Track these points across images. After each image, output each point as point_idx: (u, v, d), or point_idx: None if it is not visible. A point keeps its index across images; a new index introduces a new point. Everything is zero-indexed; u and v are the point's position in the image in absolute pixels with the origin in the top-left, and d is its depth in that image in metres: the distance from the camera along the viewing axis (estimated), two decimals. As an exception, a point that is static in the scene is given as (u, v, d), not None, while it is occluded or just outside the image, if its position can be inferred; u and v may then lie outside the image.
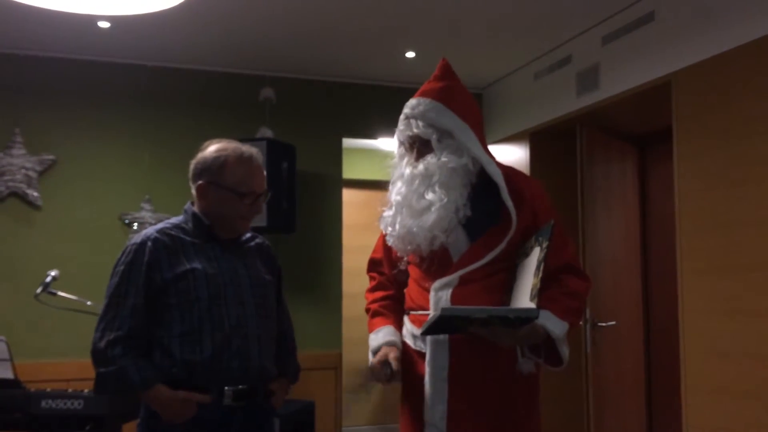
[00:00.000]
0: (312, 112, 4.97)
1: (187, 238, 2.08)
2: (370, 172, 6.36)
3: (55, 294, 3.44)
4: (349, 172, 5.85)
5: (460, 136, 1.94)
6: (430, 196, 1.93)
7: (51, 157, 4.40)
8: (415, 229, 1.93)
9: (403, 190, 2.01)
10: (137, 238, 2.08)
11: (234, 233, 2.14)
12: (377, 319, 2.17)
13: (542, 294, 1.82)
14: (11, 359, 3.06)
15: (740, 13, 3.09)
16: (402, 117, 2.06)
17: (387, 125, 5.15)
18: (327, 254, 4.94)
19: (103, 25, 4.00)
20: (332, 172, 5.01)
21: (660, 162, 4.42)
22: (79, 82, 4.51)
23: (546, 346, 1.86)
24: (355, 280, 6.24)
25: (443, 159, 1.94)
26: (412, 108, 2.03)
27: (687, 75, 3.37)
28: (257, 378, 2.07)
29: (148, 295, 2.00)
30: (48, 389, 3.02)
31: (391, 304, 2.17)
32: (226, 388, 2.00)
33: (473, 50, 4.46)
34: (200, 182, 2.08)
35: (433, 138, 1.97)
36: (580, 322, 2.00)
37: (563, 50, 4.33)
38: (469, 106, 2.04)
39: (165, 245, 2.04)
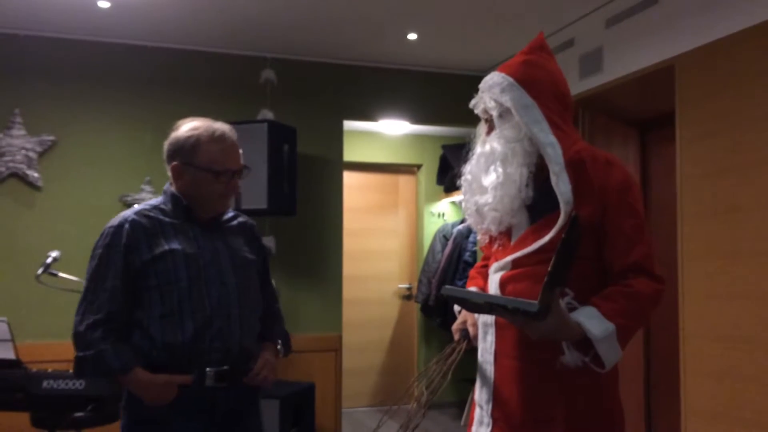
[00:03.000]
0: (313, 94, 4.95)
1: (166, 219, 2.07)
2: (372, 155, 6.36)
3: (56, 275, 3.44)
4: (350, 154, 5.84)
5: (519, 114, 1.84)
6: (491, 174, 1.88)
7: (51, 137, 4.39)
8: (481, 208, 1.89)
9: (473, 168, 1.96)
10: (115, 221, 2.06)
11: (213, 212, 2.12)
12: (469, 282, 2.12)
13: (602, 292, 1.75)
14: (13, 340, 3.07)
15: (745, -4, 3.07)
16: (478, 92, 1.99)
17: (388, 107, 5.14)
18: (328, 237, 4.94)
19: (104, 5, 3.97)
20: (333, 154, 4.99)
21: (662, 146, 4.40)
22: (80, 62, 4.49)
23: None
24: (356, 262, 6.28)
25: (500, 136, 1.88)
26: (485, 82, 1.94)
27: (691, 59, 3.35)
28: (239, 359, 2.05)
29: (126, 278, 1.99)
30: (49, 370, 3.03)
31: (486, 271, 2.08)
32: (207, 369, 1.99)
33: (475, 32, 4.44)
34: (174, 163, 2.07)
35: (495, 113, 1.90)
36: (640, 326, 1.81)
37: (566, 33, 4.31)
38: (547, 83, 1.89)
39: (143, 227, 2.03)
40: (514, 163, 1.84)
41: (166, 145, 2.10)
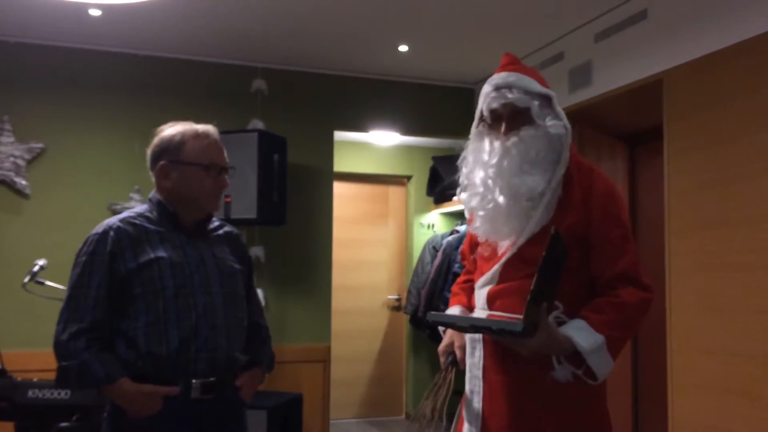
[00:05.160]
0: (304, 105, 4.96)
1: (152, 227, 2.04)
2: (362, 166, 6.36)
3: (42, 283, 3.42)
4: (341, 165, 5.85)
5: (557, 104, 1.79)
6: (526, 168, 1.77)
7: (40, 145, 4.37)
8: (511, 208, 1.78)
9: (508, 164, 1.80)
10: (99, 228, 2.03)
11: (202, 213, 2.09)
12: (452, 299, 2.07)
13: (590, 303, 1.74)
14: (-2, 348, 3.04)
15: (733, 12, 3.10)
16: (488, 89, 1.86)
17: (379, 118, 5.15)
18: (317, 247, 4.93)
19: (94, 13, 3.97)
20: (323, 164, 5.00)
21: (650, 160, 4.44)
22: (70, 70, 4.48)
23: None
24: (345, 273, 6.27)
25: (547, 125, 1.79)
26: (502, 78, 1.84)
27: (679, 73, 3.38)
28: (225, 369, 2.03)
29: (111, 286, 1.96)
30: (35, 379, 3.00)
31: (471, 286, 2.03)
32: (193, 380, 1.95)
33: (466, 45, 4.46)
34: (161, 163, 2.04)
35: (534, 104, 1.80)
36: (630, 336, 1.80)
37: (556, 46, 4.34)
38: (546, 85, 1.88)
39: (128, 234, 2.00)
40: (551, 160, 1.78)
41: (149, 151, 2.08)
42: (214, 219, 2.19)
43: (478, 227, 1.88)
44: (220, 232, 2.19)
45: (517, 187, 1.78)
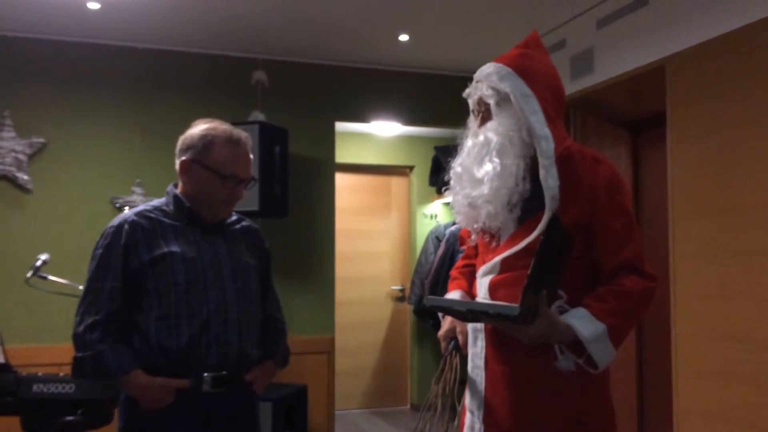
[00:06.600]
0: (305, 96, 4.95)
1: (167, 221, 2.04)
2: (364, 157, 6.35)
3: (45, 278, 3.42)
4: (342, 156, 5.83)
5: (518, 102, 1.77)
6: (486, 165, 1.79)
7: (41, 140, 4.36)
8: (474, 201, 1.81)
9: (465, 159, 1.86)
10: (115, 221, 2.04)
11: (213, 218, 2.09)
12: (451, 284, 2.05)
13: (593, 292, 1.72)
14: (2, 343, 3.04)
15: (735, -3, 3.08)
16: (473, 81, 1.92)
17: (380, 109, 5.14)
18: (320, 238, 4.93)
19: (93, 6, 3.95)
20: (325, 156, 4.99)
21: (653, 147, 4.42)
22: (70, 64, 4.47)
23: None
24: (348, 264, 6.28)
25: (498, 124, 1.81)
26: (481, 71, 1.88)
27: (681, 59, 3.36)
28: (237, 364, 2.03)
29: (125, 279, 1.97)
30: (39, 373, 2.99)
31: (471, 271, 2.02)
32: (205, 374, 1.97)
33: (467, 33, 4.44)
34: (184, 158, 2.03)
35: (492, 102, 1.84)
36: (632, 324, 1.78)
37: (557, 34, 4.32)
38: (544, 76, 1.84)
39: (143, 227, 2.00)
40: (512, 154, 1.78)
41: (180, 140, 2.06)
42: (233, 213, 2.19)
43: (457, 218, 1.93)
44: (238, 226, 2.18)
45: (478, 182, 1.81)
